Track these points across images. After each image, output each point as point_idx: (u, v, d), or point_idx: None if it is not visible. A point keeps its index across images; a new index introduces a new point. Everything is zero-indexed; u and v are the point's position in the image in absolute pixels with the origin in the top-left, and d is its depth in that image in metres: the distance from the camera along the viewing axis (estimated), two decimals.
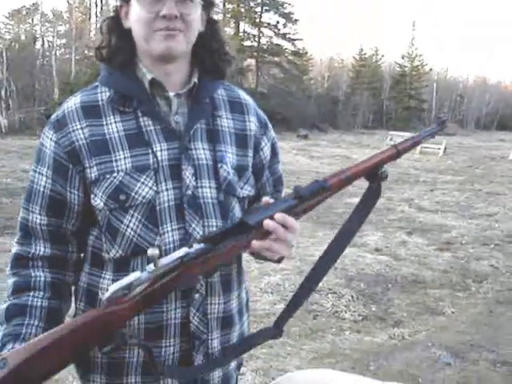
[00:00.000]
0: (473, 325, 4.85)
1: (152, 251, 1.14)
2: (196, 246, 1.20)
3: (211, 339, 1.38)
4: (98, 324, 1.15)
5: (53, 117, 1.39)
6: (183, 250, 1.19)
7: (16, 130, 23.30)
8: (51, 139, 1.35)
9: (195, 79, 1.39)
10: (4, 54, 25.90)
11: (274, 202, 1.27)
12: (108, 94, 1.36)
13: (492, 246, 7.64)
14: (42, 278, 1.35)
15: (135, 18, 1.33)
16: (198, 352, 1.35)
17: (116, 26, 1.38)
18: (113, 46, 1.38)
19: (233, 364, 1.49)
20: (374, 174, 1.37)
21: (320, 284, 5.05)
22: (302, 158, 19.14)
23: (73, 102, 1.37)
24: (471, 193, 12.77)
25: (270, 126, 1.56)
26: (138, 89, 1.35)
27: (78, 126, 1.33)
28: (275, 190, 1.59)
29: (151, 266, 1.16)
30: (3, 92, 25.26)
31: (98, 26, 1.44)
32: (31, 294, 1.33)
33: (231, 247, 1.24)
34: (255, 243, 1.23)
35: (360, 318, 4.90)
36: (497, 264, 6.75)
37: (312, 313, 4.93)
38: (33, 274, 1.35)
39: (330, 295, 5.34)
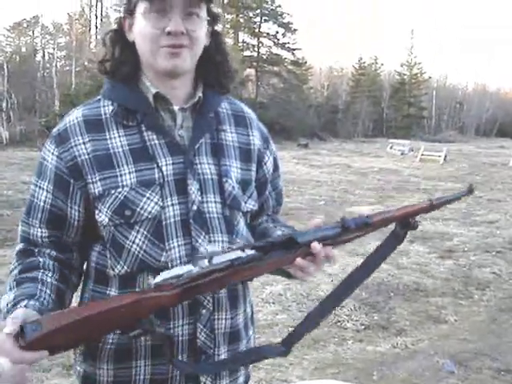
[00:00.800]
0: (476, 333, 4.84)
1: (212, 247, 1.19)
2: (248, 252, 1.21)
3: (218, 354, 1.36)
4: (137, 306, 1.14)
5: (54, 130, 1.37)
6: (237, 253, 1.20)
7: (17, 141, 23.32)
8: (53, 153, 1.33)
9: (200, 93, 1.38)
10: (5, 67, 25.97)
11: (323, 227, 1.30)
12: (111, 107, 1.35)
13: (494, 253, 7.62)
14: (51, 263, 1.33)
15: (140, 33, 1.31)
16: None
17: (119, 38, 1.37)
18: (116, 59, 1.36)
19: (241, 379, 1.47)
20: (407, 221, 1.43)
21: (322, 293, 5.03)
22: (303, 167, 19.15)
23: (75, 116, 1.35)
24: (472, 200, 12.74)
25: (270, 140, 1.56)
26: (141, 102, 1.34)
27: (81, 141, 1.31)
28: (277, 204, 1.60)
29: (205, 262, 1.17)
30: (4, 104, 25.31)
31: (101, 38, 1.41)
32: (41, 271, 1.29)
33: (277, 260, 1.26)
34: (299, 261, 1.26)
35: (362, 327, 4.88)
36: (499, 271, 6.73)
37: None
38: (40, 260, 1.32)
39: None
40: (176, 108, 1.36)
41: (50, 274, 1.30)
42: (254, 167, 1.46)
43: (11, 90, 25.80)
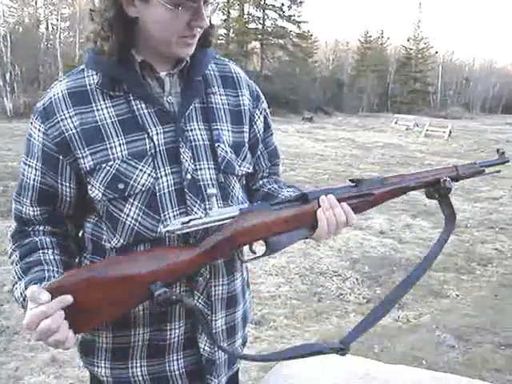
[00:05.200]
0: (477, 308, 4.86)
1: (210, 191, 1.21)
2: (255, 204, 1.26)
3: (215, 320, 1.38)
4: (167, 269, 1.19)
5: (39, 105, 1.31)
6: (240, 206, 1.25)
7: (21, 113, 23.26)
8: (39, 130, 1.29)
9: (187, 57, 1.33)
10: (8, 38, 25.84)
11: (335, 187, 1.32)
12: (96, 77, 1.29)
13: (497, 229, 7.63)
14: (48, 239, 1.32)
15: (159, 22, 1.23)
16: (202, 333, 1.35)
17: (119, 16, 1.25)
18: (118, 38, 1.26)
19: (238, 341, 1.49)
20: (434, 185, 1.42)
21: (325, 267, 5.06)
22: (307, 141, 19.10)
23: (59, 89, 1.30)
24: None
25: (261, 97, 1.51)
26: (127, 71, 1.28)
27: (67, 115, 1.27)
28: (271, 164, 1.55)
29: (214, 211, 1.21)
30: (8, 76, 25.23)
31: (97, 16, 1.26)
32: (41, 251, 1.29)
33: (289, 212, 1.27)
34: (319, 213, 1.27)
35: (364, 300, 4.92)
36: (502, 247, 6.75)
37: (317, 295, 4.95)
38: (37, 239, 1.32)
39: (334, 278, 5.35)
40: (163, 74, 1.32)
41: (50, 252, 1.30)
42: (245, 128, 1.43)
43: (15, 62, 25.69)
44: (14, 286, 1.28)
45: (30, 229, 1.34)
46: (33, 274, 1.24)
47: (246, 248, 1.31)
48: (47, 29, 32.71)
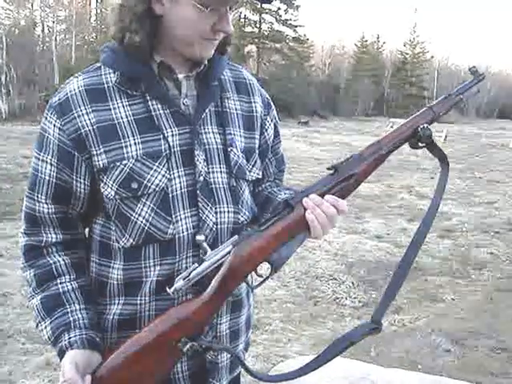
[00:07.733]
0: (472, 312, 4.87)
1: (200, 237, 1.21)
2: (244, 233, 1.24)
3: (220, 323, 1.37)
4: (186, 323, 1.20)
5: (54, 100, 1.30)
6: (233, 238, 1.23)
7: (16, 115, 23.26)
8: (55, 125, 1.27)
9: (205, 61, 1.34)
10: (4, 40, 25.79)
11: (314, 183, 1.29)
12: (113, 75, 1.29)
13: (492, 233, 7.65)
14: (62, 262, 1.32)
15: (186, 21, 1.25)
16: (207, 336, 1.34)
17: (148, 10, 1.25)
18: (145, 32, 1.26)
19: (241, 346, 1.49)
20: (413, 136, 1.36)
21: (321, 270, 5.07)
22: (303, 145, 19.12)
23: (76, 85, 1.29)
24: (471, 180, 12.76)
25: (272, 105, 1.53)
26: (145, 71, 1.29)
27: (84, 112, 1.26)
28: (278, 170, 1.57)
29: (208, 254, 1.21)
30: (3, 77, 25.20)
31: (126, 8, 1.25)
32: (58, 281, 1.30)
33: (278, 226, 1.24)
34: (307, 216, 1.23)
35: (360, 304, 4.92)
36: (497, 252, 6.77)
37: (313, 299, 4.95)
38: (51, 261, 1.31)
39: (330, 282, 5.35)
40: (181, 76, 1.33)
41: (67, 279, 1.31)
42: (257, 135, 1.44)
43: (10, 64, 25.65)
44: (37, 323, 1.31)
45: (43, 242, 1.32)
46: (57, 320, 1.27)
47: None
48: (43, 31, 32.60)
